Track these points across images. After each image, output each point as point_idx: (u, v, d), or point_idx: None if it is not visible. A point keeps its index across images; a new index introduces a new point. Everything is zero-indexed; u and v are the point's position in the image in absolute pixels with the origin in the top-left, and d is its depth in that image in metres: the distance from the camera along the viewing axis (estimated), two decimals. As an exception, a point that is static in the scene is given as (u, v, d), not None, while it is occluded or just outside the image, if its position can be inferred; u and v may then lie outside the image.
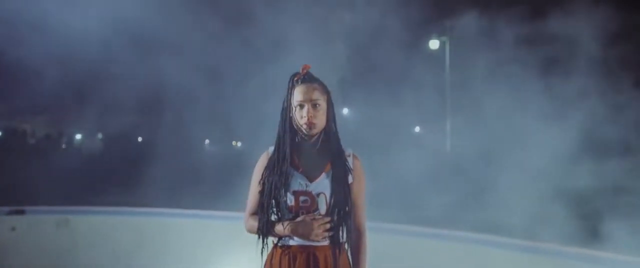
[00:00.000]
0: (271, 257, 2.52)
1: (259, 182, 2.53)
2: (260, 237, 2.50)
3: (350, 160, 2.55)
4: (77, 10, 6.91)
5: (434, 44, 21.55)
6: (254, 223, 2.53)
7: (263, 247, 2.52)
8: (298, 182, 2.46)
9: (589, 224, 5.25)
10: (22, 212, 5.62)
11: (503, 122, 7.25)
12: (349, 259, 2.55)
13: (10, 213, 5.60)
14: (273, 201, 2.49)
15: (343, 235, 2.50)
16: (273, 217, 2.51)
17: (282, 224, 2.46)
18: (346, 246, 2.54)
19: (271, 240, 2.55)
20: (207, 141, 31.54)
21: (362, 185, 2.56)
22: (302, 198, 2.45)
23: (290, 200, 2.45)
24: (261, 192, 2.52)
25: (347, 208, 2.48)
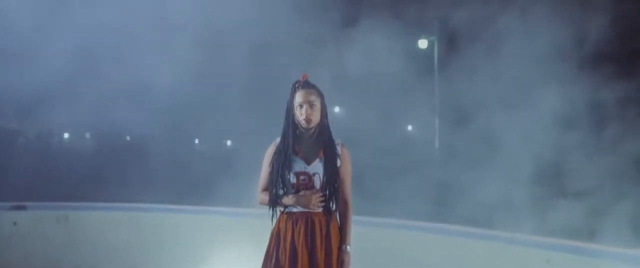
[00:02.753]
0: (278, 221, 3.27)
1: (269, 165, 3.26)
2: (271, 206, 3.25)
3: (339, 148, 3.29)
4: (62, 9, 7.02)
5: (422, 44, 21.75)
6: (265, 197, 3.28)
7: (273, 214, 3.27)
8: (298, 165, 3.20)
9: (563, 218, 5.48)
10: (23, 208, 5.78)
11: (489, 119, 7.43)
12: (337, 222, 3.29)
13: (11, 208, 5.77)
14: (280, 179, 3.21)
15: (333, 205, 3.26)
16: (280, 192, 3.22)
17: (287, 197, 3.20)
18: (335, 213, 3.29)
19: (278, 209, 3.28)
20: (196, 140, 31.54)
21: (348, 168, 3.30)
22: (301, 177, 3.20)
23: (292, 178, 3.20)
24: (270, 173, 3.25)
25: (336, 185, 3.22)
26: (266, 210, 4.98)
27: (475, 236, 4.82)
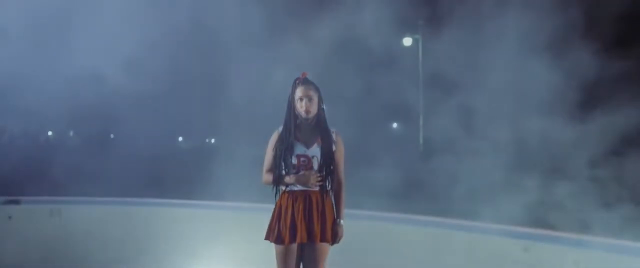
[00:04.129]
0: (280, 198, 3.73)
1: (272, 149, 3.72)
2: (274, 185, 3.71)
3: (334, 135, 3.76)
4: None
5: (407, 42, 21.94)
6: (269, 177, 3.73)
7: (276, 193, 3.73)
8: (299, 149, 3.66)
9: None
10: (18, 202, 5.91)
11: (471, 115, 7.56)
12: (332, 200, 3.75)
13: (6, 203, 5.89)
14: (283, 162, 3.67)
15: (328, 185, 3.71)
16: (283, 172, 3.68)
17: (289, 176, 3.67)
18: (330, 192, 3.73)
19: (281, 188, 3.72)
20: (180, 138, 31.62)
21: (341, 152, 3.77)
22: (302, 159, 3.66)
23: (294, 160, 3.66)
24: (274, 156, 3.70)
25: (331, 167, 3.70)
26: (255, 205, 5.29)
27: (454, 227, 5.04)
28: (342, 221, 3.72)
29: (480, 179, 6.55)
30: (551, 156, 6.95)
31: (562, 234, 4.57)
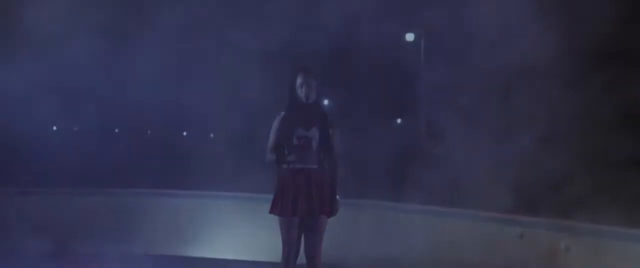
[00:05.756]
0: (283, 175, 4.04)
1: (276, 131, 4.08)
2: (277, 162, 4.04)
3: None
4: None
5: (409, 37, 22.02)
6: (272, 156, 4.08)
7: (279, 170, 4.04)
8: (300, 130, 4.01)
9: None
10: (29, 193, 6.08)
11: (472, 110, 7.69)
12: (329, 176, 4.06)
13: (18, 194, 6.07)
14: (285, 142, 3.99)
15: (325, 162, 4.03)
16: (285, 151, 4.00)
17: (291, 155, 3.98)
18: (327, 169, 4.04)
19: (283, 165, 4.01)
20: (185, 133, 31.85)
21: (338, 136, 4.12)
22: (302, 140, 3.98)
23: (295, 140, 4.00)
24: (277, 137, 4.06)
25: (328, 147, 4.03)
26: (253, 194, 5.58)
27: (453, 215, 5.20)
28: (338, 196, 4.07)
29: (478, 169, 6.68)
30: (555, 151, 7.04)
31: (554, 221, 4.75)
